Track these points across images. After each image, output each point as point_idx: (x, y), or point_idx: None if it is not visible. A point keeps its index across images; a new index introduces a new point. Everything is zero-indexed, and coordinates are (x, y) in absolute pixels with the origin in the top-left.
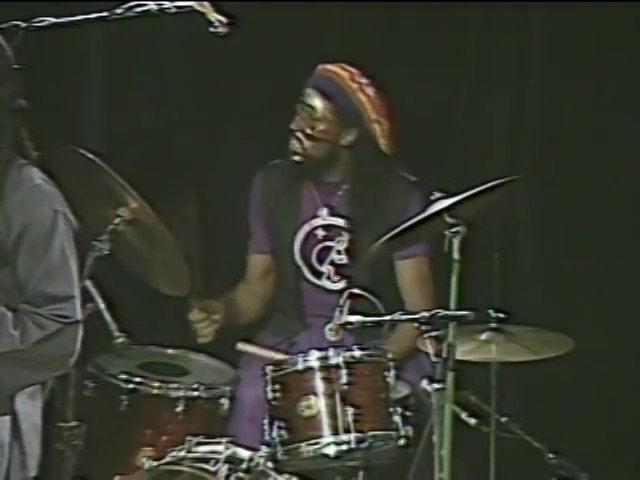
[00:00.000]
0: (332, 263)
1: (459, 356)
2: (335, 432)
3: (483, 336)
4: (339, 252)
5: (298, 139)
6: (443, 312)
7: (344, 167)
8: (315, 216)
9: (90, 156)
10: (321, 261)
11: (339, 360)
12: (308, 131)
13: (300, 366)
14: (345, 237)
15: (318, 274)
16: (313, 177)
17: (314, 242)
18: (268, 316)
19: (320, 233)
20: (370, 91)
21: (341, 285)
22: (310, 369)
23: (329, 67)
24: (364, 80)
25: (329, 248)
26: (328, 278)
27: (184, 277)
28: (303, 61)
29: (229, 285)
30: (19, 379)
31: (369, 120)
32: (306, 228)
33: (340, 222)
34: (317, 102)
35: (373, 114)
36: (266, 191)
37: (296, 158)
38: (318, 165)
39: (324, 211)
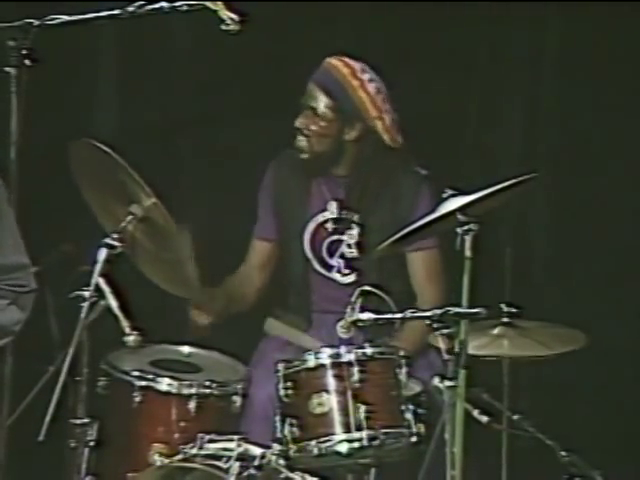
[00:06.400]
0: (342, 256)
1: (471, 351)
2: (347, 429)
3: (495, 331)
4: (349, 246)
5: (304, 135)
6: (455, 309)
7: (351, 160)
8: (324, 209)
9: (106, 149)
10: (331, 254)
11: (351, 357)
12: (312, 127)
13: (312, 363)
14: (355, 230)
15: (328, 267)
16: (320, 172)
17: (324, 235)
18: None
19: (330, 226)
20: (371, 87)
21: (351, 278)
22: (322, 366)
23: (332, 61)
24: (366, 76)
25: (339, 241)
26: (338, 271)
27: (192, 278)
28: (313, 60)
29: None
30: None
31: (370, 117)
32: (315, 221)
33: (350, 215)
34: (319, 101)
35: (374, 111)
36: (278, 178)
37: (303, 156)
38: (324, 161)
39: (333, 205)
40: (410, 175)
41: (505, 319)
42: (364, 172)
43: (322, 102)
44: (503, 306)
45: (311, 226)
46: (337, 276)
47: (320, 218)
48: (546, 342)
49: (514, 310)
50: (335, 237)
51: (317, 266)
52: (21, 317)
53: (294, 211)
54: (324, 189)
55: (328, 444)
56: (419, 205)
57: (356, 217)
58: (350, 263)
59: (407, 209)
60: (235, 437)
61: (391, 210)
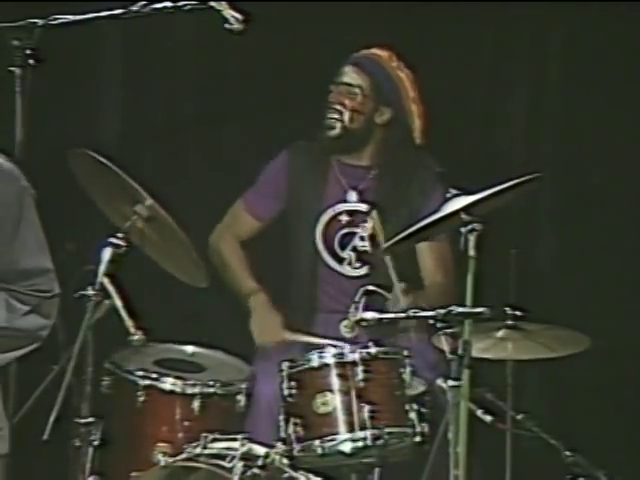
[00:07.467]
0: (354, 249)
1: (475, 354)
2: (351, 429)
3: (499, 334)
4: (362, 238)
5: (337, 111)
6: (459, 309)
7: (374, 149)
8: (341, 201)
9: (101, 159)
10: (343, 247)
11: (355, 357)
12: (347, 101)
13: (316, 363)
14: (369, 223)
15: (339, 259)
16: (345, 152)
17: (337, 227)
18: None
19: (344, 218)
20: (407, 71)
21: (362, 271)
22: (326, 366)
23: (366, 50)
24: (401, 63)
25: (352, 234)
26: (349, 264)
27: (200, 271)
28: (314, 60)
29: None
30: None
31: (407, 98)
32: (330, 212)
33: (365, 207)
34: (355, 77)
35: (412, 92)
36: (293, 165)
37: (333, 132)
38: (352, 140)
39: (352, 194)
40: (425, 171)
41: (509, 322)
42: (391, 164)
43: (358, 80)
44: (507, 309)
45: (325, 217)
46: (347, 269)
47: (336, 209)
48: (550, 345)
49: (518, 313)
50: (349, 229)
51: (327, 259)
52: (46, 323)
53: (309, 201)
54: (343, 180)
55: (332, 443)
56: (430, 205)
57: (373, 209)
58: (361, 256)
59: (420, 206)
60: (239, 436)
61: (408, 205)
